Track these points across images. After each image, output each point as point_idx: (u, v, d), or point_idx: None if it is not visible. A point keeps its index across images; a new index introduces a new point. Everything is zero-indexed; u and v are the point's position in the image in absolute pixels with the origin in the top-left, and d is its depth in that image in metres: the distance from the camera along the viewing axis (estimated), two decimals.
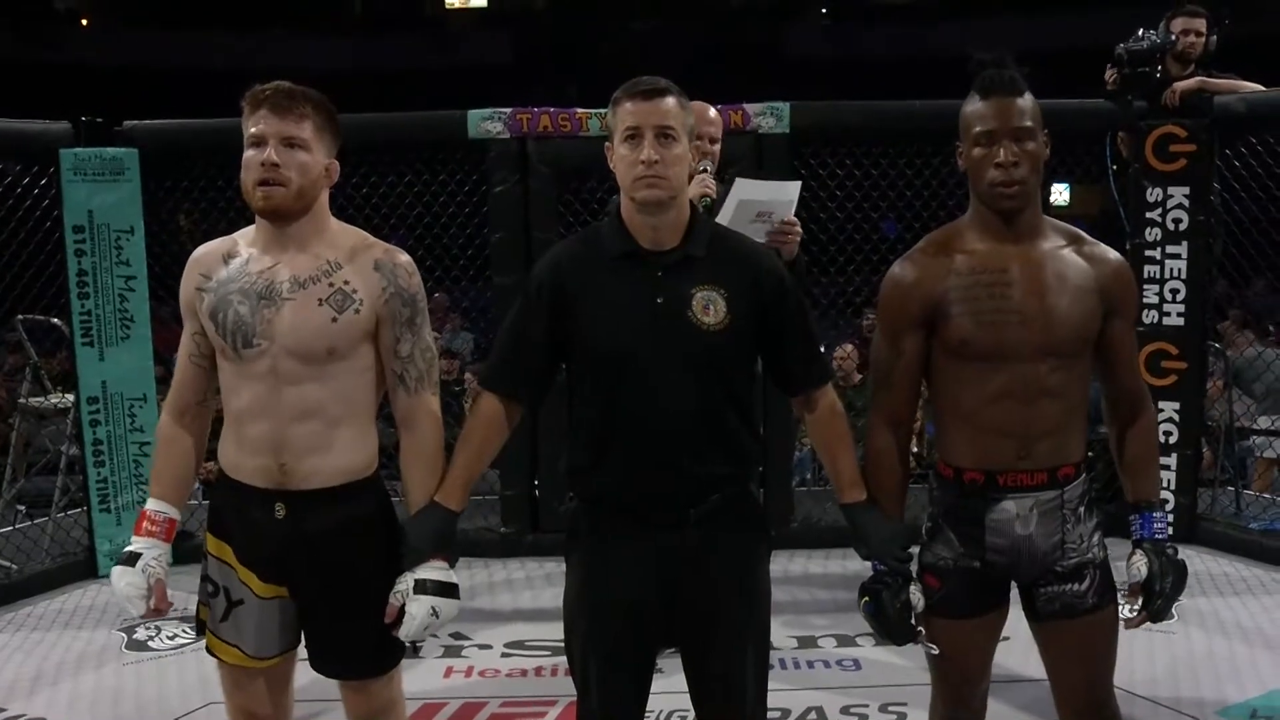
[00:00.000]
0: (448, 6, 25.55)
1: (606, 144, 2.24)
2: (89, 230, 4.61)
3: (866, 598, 2.20)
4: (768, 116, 4.68)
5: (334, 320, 2.20)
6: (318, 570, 2.23)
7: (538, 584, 4.57)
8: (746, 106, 4.69)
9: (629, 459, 2.18)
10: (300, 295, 2.20)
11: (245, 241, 2.27)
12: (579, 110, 4.58)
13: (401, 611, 2.21)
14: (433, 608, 2.19)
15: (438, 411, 2.32)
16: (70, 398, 4.93)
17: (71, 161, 4.59)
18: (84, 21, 23.04)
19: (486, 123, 4.64)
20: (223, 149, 4.85)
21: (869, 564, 2.24)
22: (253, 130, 2.19)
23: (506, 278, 4.63)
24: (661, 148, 2.14)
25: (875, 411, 2.29)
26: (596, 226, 2.36)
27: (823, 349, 2.41)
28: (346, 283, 2.23)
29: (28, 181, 4.71)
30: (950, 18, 23.13)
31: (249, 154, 2.19)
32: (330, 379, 2.21)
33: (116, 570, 2.25)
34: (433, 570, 2.21)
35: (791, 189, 3.34)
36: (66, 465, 5.07)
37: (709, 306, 2.16)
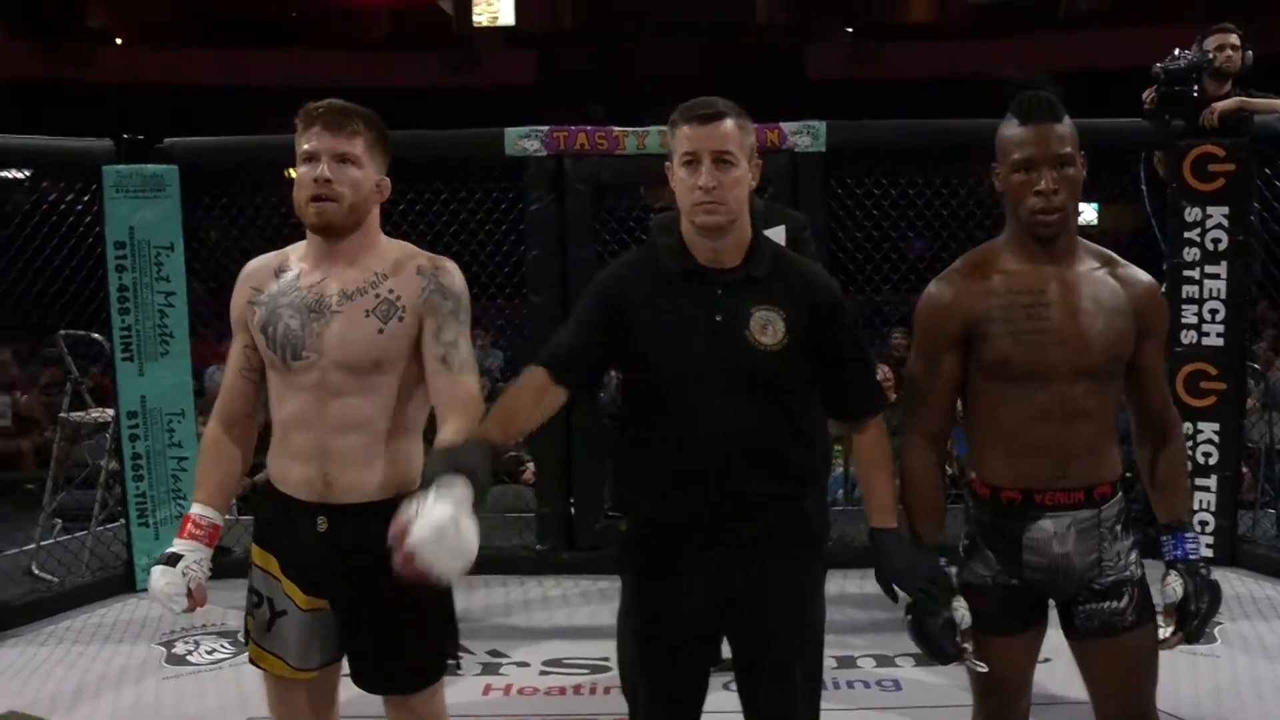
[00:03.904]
0: (475, 25, 25.76)
1: (666, 163, 2.25)
2: (130, 246, 4.66)
3: (911, 615, 2.20)
4: (803, 135, 4.68)
5: (380, 331, 2.21)
6: (358, 585, 2.23)
7: (574, 602, 4.57)
8: (782, 125, 4.69)
9: (681, 476, 2.17)
10: (348, 308, 2.21)
11: (296, 256, 2.30)
12: (615, 129, 4.59)
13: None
14: (454, 517, 1.86)
15: (480, 395, 2.27)
16: (109, 412, 4.97)
17: (114, 178, 4.63)
18: (118, 40, 23.31)
19: (524, 140, 4.66)
20: (258, 165, 4.98)
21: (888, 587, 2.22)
22: (305, 147, 2.22)
23: (542, 295, 4.65)
24: (719, 172, 2.15)
25: (912, 429, 2.29)
26: (657, 243, 2.36)
27: (878, 377, 2.41)
28: (391, 291, 2.24)
29: (71, 198, 4.77)
30: (975, 36, 23.15)
31: (302, 170, 2.22)
32: (375, 392, 2.22)
33: (156, 570, 2.23)
34: (459, 485, 1.91)
35: (778, 232, 3.38)
36: (105, 479, 5.10)
37: (767, 326, 2.16)
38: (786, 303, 2.18)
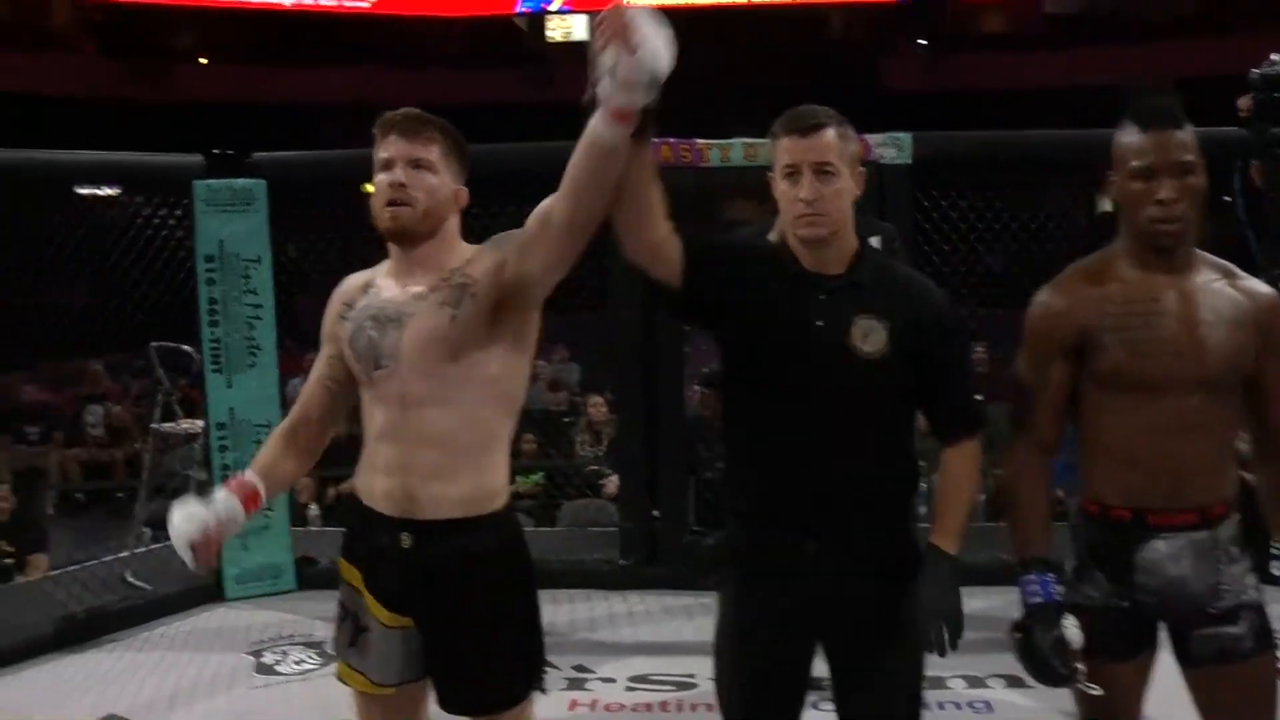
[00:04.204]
0: (548, 40, 25.96)
1: (769, 173, 2.23)
2: (219, 259, 4.74)
3: (1018, 634, 2.14)
4: (889, 147, 4.63)
5: (453, 318, 2.16)
6: (441, 604, 2.20)
7: (658, 617, 4.54)
8: (867, 137, 4.65)
9: (775, 480, 2.17)
10: (421, 308, 2.19)
11: (381, 273, 2.30)
12: (699, 141, 4.58)
13: None
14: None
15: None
16: (199, 423, 5.05)
17: (204, 193, 4.72)
18: (200, 60, 23.83)
19: None
20: (343, 180, 5.04)
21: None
22: (382, 155, 2.21)
23: (626, 309, 4.64)
24: (820, 184, 2.13)
25: (1019, 438, 2.23)
26: (765, 234, 2.33)
27: (978, 398, 2.36)
28: (464, 276, 2.20)
29: (164, 213, 4.87)
30: (1051, 46, 22.83)
31: (378, 178, 2.21)
32: (455, 402, 2.17)
33: (178, 510, 2.17)
34: None
35: (872, 244, 3.37)
36: (194, 489, 5.18)
37: (869, 335, 2.13)
38: (890, 312, 2.14)
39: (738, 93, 17.94)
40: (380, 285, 2.27)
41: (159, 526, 5.67)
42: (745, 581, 2.23)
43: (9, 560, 5.54)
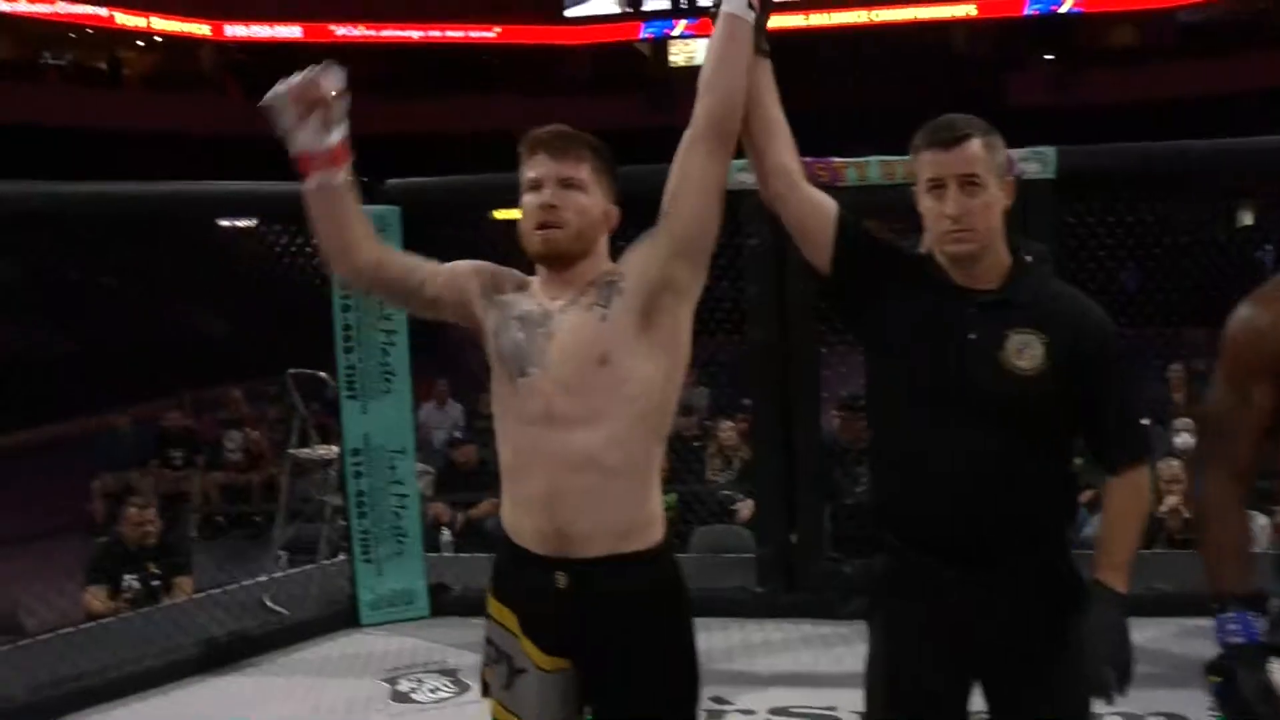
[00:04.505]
0: (671, 65, 26.10)
1: (913, 188, 2.15)
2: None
3: (1216, 676, 1.97)
4: (1032, 162, 4.45)
5: (603, 319, 2.09)
6: (602, 645, 2.11)
7: (796, 647, 4.41)
8: (1010, 152, 4.47)
9: (926, 504, 2.08)
10: (571, 312, 2.12)
11: (533, 283, 2.23)
12: (835, 160, 4.47)
13: None
14: None
15: None
16: (334, 449, 5.10)
17: None
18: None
19: (741, 174, 4.54)
20: (479, 205, 5.07)
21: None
22: (530, 174, 2.15)
23: (762, 332, 4.54)
24: (967, 198, 2.04)
25: (1214, 463, 2.06)
26: (915, 244, 2.24)
27: (1145, 422, 2.22)
28: (612, 274, 2.13)
29: (300, 241, 4.94)
30: (1182, 58, 22.13)
31: (526, 199, 2.15)
32: (604, 419, 2.07)
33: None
34: None
35: None
36: (329, 515, 5.24)
37: (1024, 350, 2.03)
38: (1048, 328, 2.04)
39: (862, 111, 17.78)
40: (531, 292, 2.20)
41: (295, 550, 5.77)
42: (897, 612, 2.15)
43: (156, 582, 5.67)
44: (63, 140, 17.44)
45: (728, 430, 7.30)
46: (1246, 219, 11.77)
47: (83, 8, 22.02)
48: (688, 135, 2.16)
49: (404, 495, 4.80)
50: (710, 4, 2.23)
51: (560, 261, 2.14)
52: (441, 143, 19.26)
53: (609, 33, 25.45)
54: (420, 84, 23.68)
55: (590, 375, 2.08)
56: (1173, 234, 4.81)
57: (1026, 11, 23.93)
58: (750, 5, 2.18)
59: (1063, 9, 23.66)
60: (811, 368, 4.58)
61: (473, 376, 11.68)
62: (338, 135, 2.17)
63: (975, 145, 2.07)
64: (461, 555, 5.63)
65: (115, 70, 24.29)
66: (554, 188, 2.12)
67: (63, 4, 21.69)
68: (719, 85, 2.15)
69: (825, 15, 23.50)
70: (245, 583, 5.19)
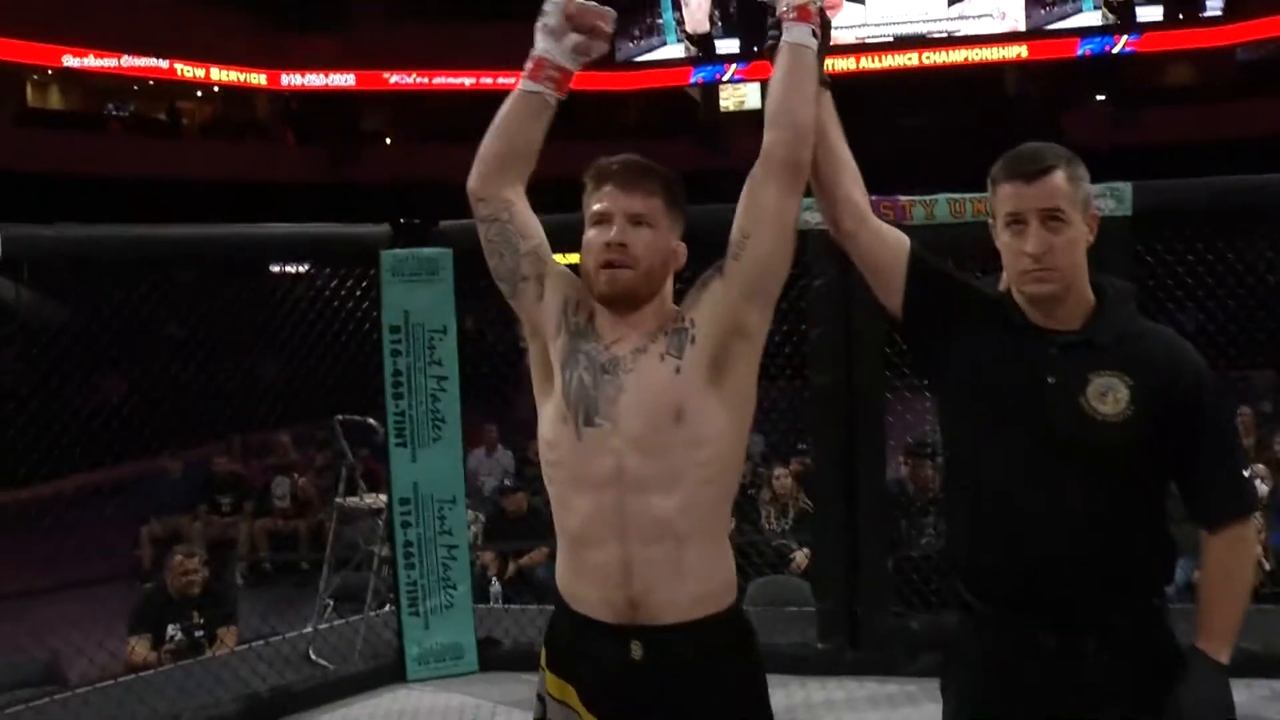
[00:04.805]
0: (722, 110, 26.11)
1: (990, 221, 2.02)
2: (404, 330, 4.67)
3: None
4: (1107, 198, 4.26)
5: (677, 371, 1.95)
6: (677, 714, 1.95)
7: (860, 706, 4.20)
8: None
9: (1005, 554, 1.93)
10: (642, 361, 1.97)
11: (598, 316, 2.07)
12: (902, 198, 4.31)
13: None
14: None
15: None
16: (382, 498, 4.97)
17: (390, 263, 4.67)
18: (387, 140, 24.82)
19: (806, 213, 4.41)
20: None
21: (1240, 696, 1.87)
22: (596, 207, 2.01)
23: (826, 375, 4.37)
24: (1050, 234, 1.90)
25: None
26: (993, 281, 2.11)
27: (1246, 474, 2.03)
28: (682, 320, 2.00)
29: (350, 284, 4.85)
30: (1241, 96, 21.81)
31: (590, 234, 2.01)
32: (678, 482, 1.94)
33: None
34: None
35: None
36: (377, 566, 5.11)
37: (1107, 394, 1.89)
38: (1134, 370, 1.89)
39: (914, 154, 17.65)
40: (596, 327, 2.04)
41: (342, 599, 5.64)
42: (973, 679, 1.99)
43: (200, 633, 5.56)
44: (125, 189, 17.74)
45: (782, 477, 7.11)
46: None
47: (145, 60, 22.47)
48: (758, 171, 2.03)
49: (453, 546, 4.65)
50: (766, 39, 2.12)
51: (626, 304, 2.00)
52: None
53: (661, 78, 25.52)
54: (472, 131, 23.86)
55: (666, 434, 1.93)
56: (1243, 273, 4.57)
57: (1079, 52, 23.70)
58: (814, 33, 2.06)
59: (1116, 49, 23.42)
60: (877, 412, 4.40)
61: (523, 423, 11.61)
62: (578, 66, 2.12)
63: (1059, 177, 1.94)
64: (511, 607, 5.46)
65: (175, 120, 24.74)
66: (622, 223, 1.98)
67: (127, 58, 22.17)
68: (789, 116, 2.03)
69: (874, 59, 23.40)
70: (289, 635, 5.06)
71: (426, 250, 4.71)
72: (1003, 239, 1.98)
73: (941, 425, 2.13)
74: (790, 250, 2.06)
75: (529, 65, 2.12)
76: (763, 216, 2.02)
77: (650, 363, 1.97)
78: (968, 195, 4.13)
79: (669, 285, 2.07)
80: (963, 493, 2.05)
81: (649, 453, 1.94)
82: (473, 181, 2.14)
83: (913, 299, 2.06)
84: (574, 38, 2.11)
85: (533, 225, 2.13)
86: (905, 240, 2.12)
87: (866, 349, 4.29)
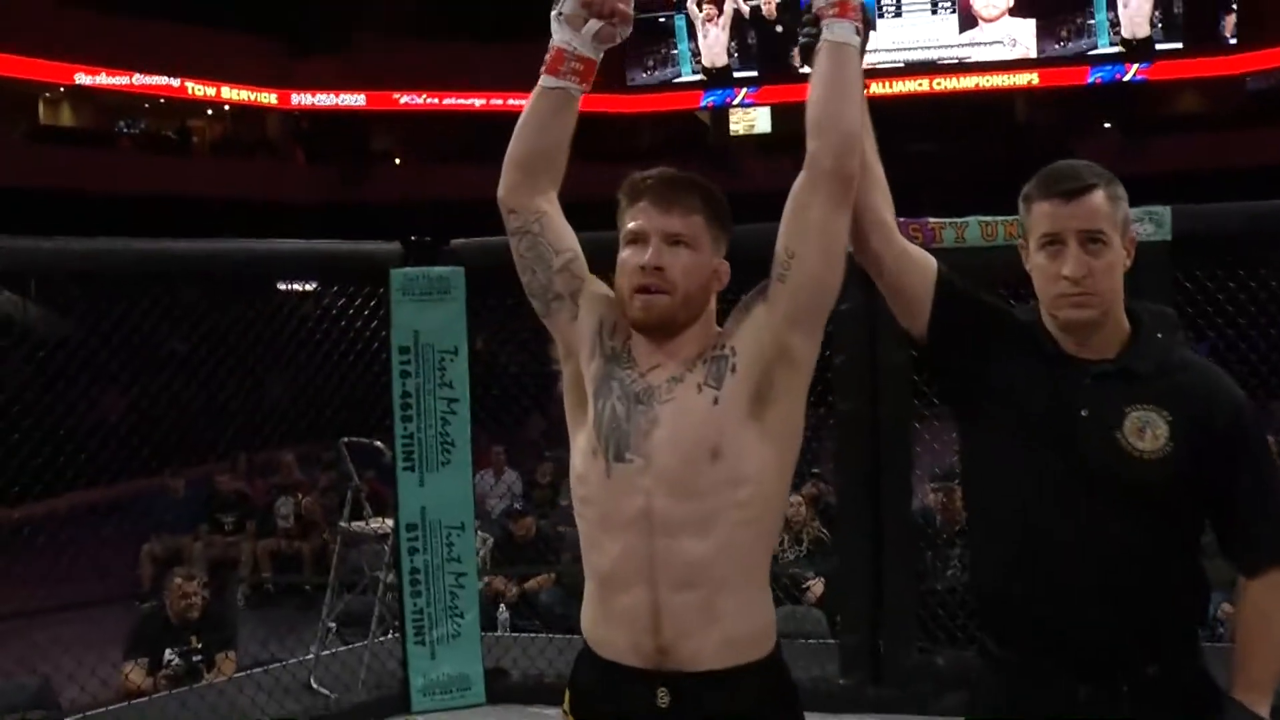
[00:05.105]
0: (731, 135, 26.07)
1: (1020, 242, 1.92)
2: (414, 351, 4.52)
3: None
4: (1146, 223, 4.11)
5: (715, 402, 1.81)
6: None
7: None
8: None
9: (1033, 596, 1.82)
10: (678, 391, 1.83)
11: (632, 340, 1.93)
12: (931, 220, 4.17)
13: None
14: None
15: None
16: (389, 523, 4.82)
17: (400, 281, 4.53)
18: (396, 160, 24.79)
19: None
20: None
21: None
22: (631, 225, 1.87)
23: (851, 402, 4.22)
24: (1090, 256, 1.80)
25: None
26: (1026, 310, 2.00)
27: None
28: (721, 347, 1.85)
29: (359, 303, 4.72)
30: (1249, 125, 21.76)
31: (625, 254, 1.87)
32: (714, 524, 1.80)
33: None
34: None
35: None
36: (382, 592, 4.95)
37: (1145, 429, 1.79)
38: (1173, 403, 1.79)
39: (925, 179, 17.56)
40: (630, 351, 1.90)
41: (345, 624, 5.48)
42: None
43: (198, 658, 5.40)
44: (136, 206, 17.71)
45: (795, 504, 6.95)
46: None
47: (156, 79, 22.49)
48: (804, 183, 1.87)
49: (462, 574, 4.49)
50: (803, 38, 1.96)
51: (664, 332, 1.85)
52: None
53: (671, 101, 25.51)
54: (482, 151, 23.85)
55: (701, 473, 1.79)
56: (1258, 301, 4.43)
57: (1090, 80, 23.69)
58: (856, 30, 1.90)
59: (1127, 77, 23.40)
60: (903, 440, 4.24)
61: (531, 444, 11.45)
62: (599, 54, 1.97)
63: (1099, 197, 1.83)
64: (520, 635, 5.29)
65: (185, 138, 24.76)
66: (658, 244, 1.84)
67: (138, 76, 22.18)
68: (834, 123, 1.87)
69: (884, 84, 23.35)
70: (288, 662, 4.89)
71: (437, 269, 4.57)
72: (1036, 261, 1.88)
73: (964, 454, 2.04)
74: (840, 269, 1.90)
75: (548, 58, 1.98)
76: (809, 233, 1.87)
77: (687, 393, 1.83)
78: (999, 218, 3.99)
79: (711, 307, 1.93)
80: (989, 526, 1.95)
81: (682, 493, 1.80)
82: (502, 191, 2.01)
83: (939, 322, 1.95)
84: (595, 24, 1.96)
85: (567, 238, 1.99)
86: (932, 262, 2.01)
87: (894, 375, 4.14)
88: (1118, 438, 1.80)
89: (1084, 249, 1.81)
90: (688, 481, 1.80)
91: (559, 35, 1.97)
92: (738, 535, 1.82)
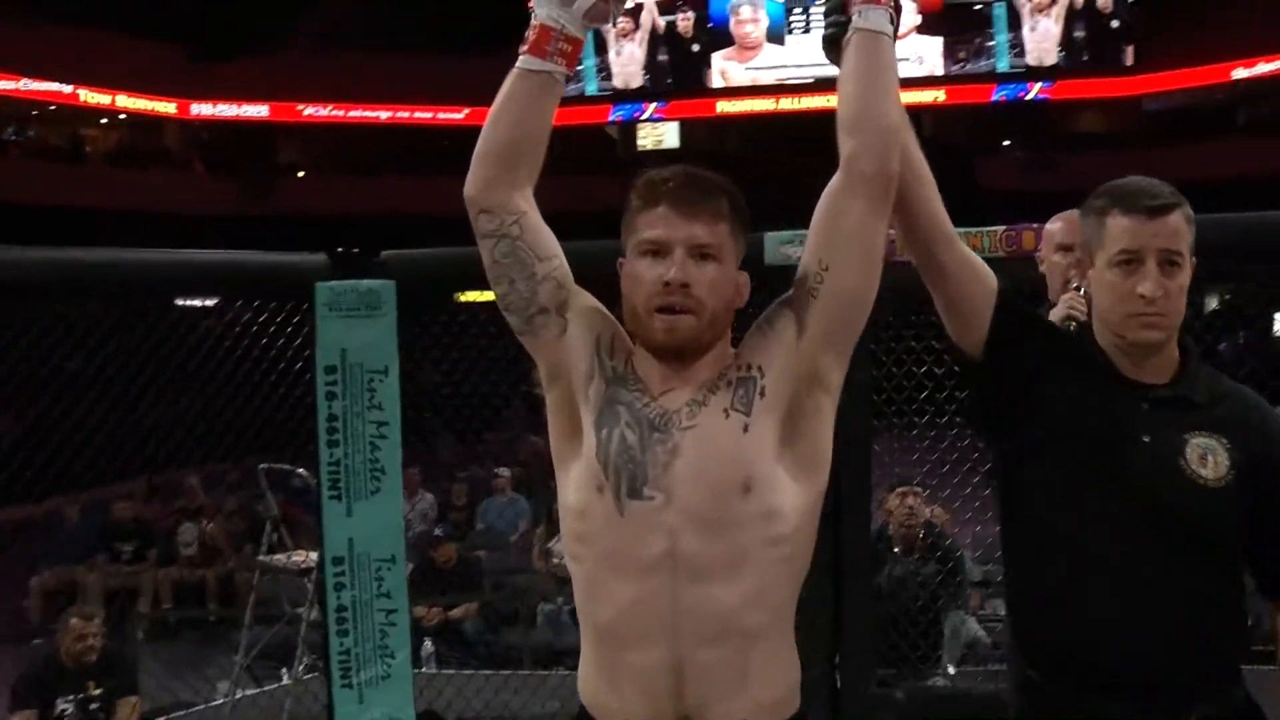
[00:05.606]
0: (639, 149, 26.00)
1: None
2: (341, 371, 4.21)
3: None
4: None
5: (745, 429, 1.61)
6: None
7: None
8: None
9: (1089, 630, 1.75)
10: (702, 416, 1.62)
11: (637, 358, 1.70)
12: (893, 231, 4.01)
13: None
14: None
15: None
16: (312, 556, 4.50)
17: (326, 295, 4.21)
18: (300, 174, 24.23)
19: (787, 247, 4.08)
20: (479, 280, 4.57)
21: None
22: (649, 234, 1.65)
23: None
24: (1167, 277, 1.76)
25: None
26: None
27: None
28: (745, 368, 1.65)
29: (280, 319, 4.41)
30: (1152, 144, 22.36)
31: (642, 267, 1.65)
32: (745, 568, 1.60)
33: None
34: None
35: None
36: (304, 631, 4.63)
37: (1207, 457, 1.75)
38: (1230, 431, 1.76)
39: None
40: (636, 371, 1.67)
41: (261, 656, 5.13)
42: None
43: (95, 705, 4.98)
44: (26, 216, 16.96)
45: None
46: None
47: (48, 85, 21.65)
48: (840, 187, 1.68)
49: (392, 610, 4.18)
50: (828, 29, 1.80)
51: (686, 355, 1.64)
52: (416, 222, 18.97)
53: (579, 115, 25.33)
54: (391, 163, 23.47)
55: (733, 508, 1.58)
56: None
57: (994, 98, 24.14)
58: (890, 18, 1.74)
59: (1029, 95, 23.92)
60: (863, 465, 4.06)
61: (444, 466, 11.12)
62: (586, 35, 1.75)
63: (1179, 217, 1.80)
64: (453, 673, 5.00)
65: (78, 147, 23.88)
66: (683, 258, 1.62)
67: (27, 80, 21.32)
68: (873, 120, 1.70)
69: (794, 100, 23.49)
70: (199, 706, 4.55)
71: (367, 282, 4.26)
72: (1106, 277, 1.81)
73: (1005, 477, 1.95)
74: (877, 280, 1.73)
75: (530, 37, 1.75)
76: (845, 243, 1.68)
77: (712, 419, 1.62)
78: (987, 229, 3.84)
79: (729, 325, 1.73)
80: (1035, 551, 1.87)
81: (711, 531, 1.59)
82: (472, 187, 1.76)
83: (999, 336, 1.87)
84: (585, 2, 1.74)
85: (549, 243, 1.77)
86: (991, 272, 1.93)
87: (855, 395, 3.95)
88: (1181, 465, 1.77)
89: (1163, 270, 1.78)
90: (718, 518, 1.60)
91: (544, 10, 1.74)
92: (769, 577, 1.64)
